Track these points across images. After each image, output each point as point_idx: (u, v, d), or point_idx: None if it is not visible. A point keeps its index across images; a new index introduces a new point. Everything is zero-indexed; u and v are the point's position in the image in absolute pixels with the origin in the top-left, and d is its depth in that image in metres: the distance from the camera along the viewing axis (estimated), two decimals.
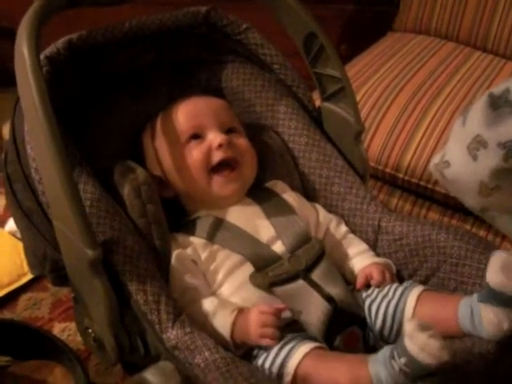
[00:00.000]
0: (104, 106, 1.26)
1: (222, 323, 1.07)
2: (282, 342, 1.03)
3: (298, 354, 1.00)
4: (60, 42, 1.15)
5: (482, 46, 2.18)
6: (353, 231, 1.29)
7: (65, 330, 1.48)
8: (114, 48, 1.23)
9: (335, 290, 1.14)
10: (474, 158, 0.89)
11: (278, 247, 1.18)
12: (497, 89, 0.83)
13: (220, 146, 1.20)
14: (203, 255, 1.15)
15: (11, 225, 1.70)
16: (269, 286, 1.13)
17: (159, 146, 1.24)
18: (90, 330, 1.10)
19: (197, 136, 1.22)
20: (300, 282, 1.14)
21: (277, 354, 1.02)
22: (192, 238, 1.17)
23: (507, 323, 0.96)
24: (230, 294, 1.13)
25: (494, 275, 0.97)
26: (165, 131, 1.24)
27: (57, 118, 0.97)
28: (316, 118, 1.37)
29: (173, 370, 0.99)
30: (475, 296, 1.02)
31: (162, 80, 1.34)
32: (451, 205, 1.82)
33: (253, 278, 1.14)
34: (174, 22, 1.27)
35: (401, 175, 1.81)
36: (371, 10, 2.48)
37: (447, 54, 2.13)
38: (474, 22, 2.16)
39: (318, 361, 1.00)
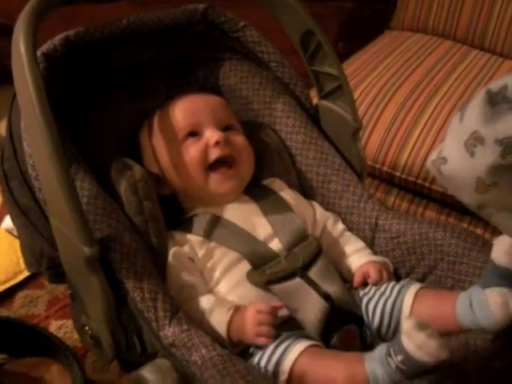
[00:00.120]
0: (101, 103, 1.26)
1: (219, 321, 1.07)
2: (277, 341, 1.03)
3: (293, 353, 1.00)
4: (57, 39, 1.15)
5: (479, 44, 2.18)
6: (350, 229, 1.29)
7: (61, 328, 1.48)
8: (111, 45, 1.22)
9: (332, 288, 1.14)
10: (471, 154, 0.88)
11: (275, 245, 1.18)
12: (495, 85, 0.83)
13: (217, 143, 1.20)
14: (200, 253, 1.15)
15: (8, 222, 1.70)
16: (266, 284, 1.13)
17: (156, 144, 1.24)
18: (87, 328, 1.10)
19: (194, 133, 1.22)
20: (297, 280, 1.14)
21: (272, 353, 1.02)
22: (189, 236, 1.17)
23: None
24: (226, 291, 1.13)
25: (501, 253, 0.98)
26: (162, 128, 1.23)
27: (54, 114, 0.96)
28: (313, 116, 1.37)
29: (170, 367, 0.99)
30: (475, 287, 1.02)
31: (159, 77, 1.34)
32: (448, 203, 1.82)
33: (250, 276, 1.14)
34: (171, 19, 1.27)
35: (398, 173, 1.81)
36: (369, 7, 2.48)
37: (444, 52, 2.13)
38: (471, 21, 2.16)
39: (313, 359, 1.00)
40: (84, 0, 1.13)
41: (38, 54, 1.10)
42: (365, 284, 1.19)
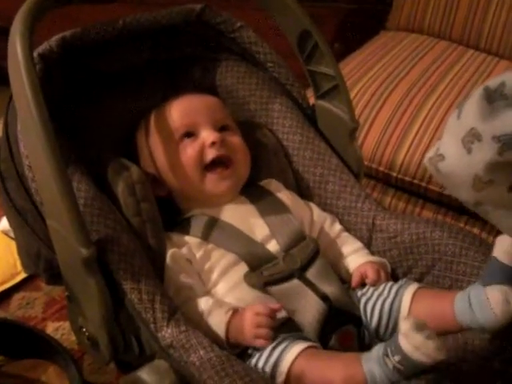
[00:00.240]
0: (98, 104, 1.26)
1: (218, 322, 1.07)
2: (275, 342, 1.03)
3: (290, 354, 1.00)
4: (53, 40, 1.15)
5: (475, 44, 2.18)
6: (347, 229, 1.29)
7: (58, 330, 1.47)
8: (107, 46, 1.22)
9: (330, 289, 1.14)
10: (469, 151, 0.88)
11: (273, 246, 1.18)
12: (492, 82, 0.83)
13: (213, 143, 1.20)
14: (198, 254, 1.15)
15: (4, 224, 1.69)
16: (263, 286, 1.13)
17: (153, 144, 1.24)
18: (84, 329, 1.10)
19: (190, 134, 1.22)
20: (295, 281, 1.14)
21: (270, 354, 1.02)
22: (187, 238, 1.17)
23: None
24: (224, 293, 1.13)
25: (502, 251, 0.98)
26: (158, 129, 1.23)
27: (50, 115, 0.96)
28: (310, 116, 1.36)
29: (167, 368, 0.99)
30: (475, 285, 1.01)
31: (156, 78, 1.34)
32: (445, 203, 1.82)
33: (247, 278, 1.13)
34: (168, 19, 1.27)
35: (394, 173, 1.81)
36: (365, 8, 2.48)
37: (440, 52, 2.13)
38: (467, 21, 2.17)
39: (311, 360, 1.00)
40: (80, 1, 1.12)
41: (35, 55, 1.10)
42: (363, 284, 1.19)
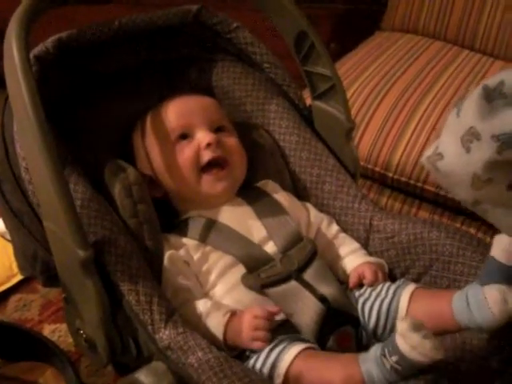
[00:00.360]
0: (94, 105, 1.25)
1: (215, 324, 1.06)
2: (272, 344, 1.03)
3: (288, 355, 1.00)
4: (49, 41, 1.14)
5: (470, 44, 2.19)
6: (344, 230, 1.29)
7: (55, 332, 1.47)
8: (104, 47, 1.22)
9: (328, 290, 1.13)
10: (468, 150, 0.88)
11: (270, 248, 1.18)
12: (491, 81, 0.83)
13: (209, 145, 1.20)
14: (196, 256, 1.15)
15: (0, 226, 1.68)
16: (261, 288, 1.12)
17: (149, 145, 1.23)
18: (82, 331, 1.09)
19: (186, 135, 1.22)
20: (292, 283, 1.13)
21: (267, 356, 1.02)
22: (184, 240, 1.17)
23: None
24: (222, 295, 1.13)
25: (500, 250, 0.97)
26: (155, 130, 1.23)
27: (46, 117, 0.96)
28: (307, 117, 1.36)
29: (165, 370, 0.98)
30: (473, 285, 1.01)
31: (152, 79, 1.34)
32: (441, 203, 1.83)
33: (244, 280, 1.13)
34: (164, 20, 1.26)
35: (390, 174, 1.81)
36: (360, 8, 2.49)
37: (435, 52, 2.14)
38: (462, 21, 2.17)
39: (309, 361, 1.00)
40: (76, 1, 1.11)
41: (30, 56, 1.09)
42: (360, 285, 1.19)
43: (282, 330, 1.08)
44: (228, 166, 1.22)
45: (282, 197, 1.27)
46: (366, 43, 2.24)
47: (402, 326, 0.90)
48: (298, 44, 1.25)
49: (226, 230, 1.18)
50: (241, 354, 1.06)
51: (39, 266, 1.17)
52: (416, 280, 1.19)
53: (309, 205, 1.31)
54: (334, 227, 1.28)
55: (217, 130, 1.24)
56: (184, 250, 1.15)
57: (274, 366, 1.00)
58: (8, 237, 1.56)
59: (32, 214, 1.11)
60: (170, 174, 1.21)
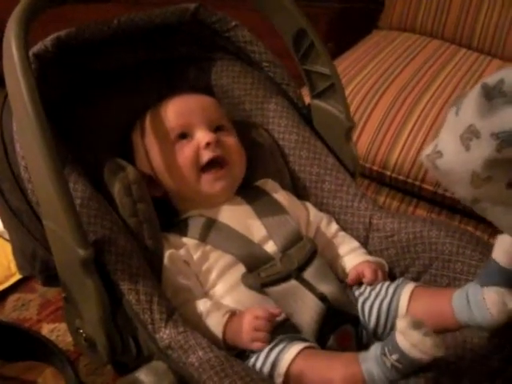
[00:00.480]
0: (93, 104, 1.25)
1: (215, 323, 1.06)
2: (272, 343, 1.03)
3: (288, 355, 1.00)
4: (48, 40, 1.14)
5: (468, 43, 2.19)
6: (344, 229, 1.29)
7: (53, 331, 1.47)
8: (102, 45, 1.22)
9: (328, 289, 1.13)
10: (467, 148, 0.88)
11: (270, 247, 1.17)
12: (491, 79, 0.83)
13: (208, 144, 1.20)
14: (195, 256, 1.14)
15: None
16: (261, 287, 1.12)
17: (149, 144, 1.23)
18: (81, 331, 1.09)
19: (185, 134, 1.21)
20: (292, 282, 1.13)
21: (267, 355, 1.01)
22: (184, 239, 1.17)
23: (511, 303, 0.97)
24: (222, 294, 1.13)
25: (501, 252, 0.97)
26: (154, 129, 1.23)
27: (46, 115, 0.96)
28: (306, 116, 1.36)
29: (166, 369, 0.98)
30: (474, 284, 1.01)
31: (151, 77, 1.33)
32: (438, 202, 1.83)
33: (244, 279, 1.13)
34: (162, 19, 1.26)
35: (388, 173, 1.81)
36: (357, 7, 2.49)
37: (433, 51, 2.14)
38: (459, 20, 2.18)
39: (309, 360, 1.00)
40: (75, 0, 1.11)
41: (30, 54, 1.09)
42: (360, 284, 1.19)
43: (281, 329, 1.08)
44: (227, 165, 1.22)
45: (282, 196, 1.27)
46: (364, 42, 2.24)
47: (401, 323, 0.90)
48: (296, 42, 1.25)
49: (225, 230, 1.18)
50: (241, 353, 1.05)
51: (38, 265, 1.17)
52: (416, 279, 1.19)
53: (308, 204, 1.31)
54: (334, 226, 1.28)
55: (216, 129, 1.24)
56: (184, 249, 1.15)
57: (274, 365, 1.00)
58: (6, 236, 1.55)
59: (31, 213, 1.11)
60: (170, 173, 1.21)
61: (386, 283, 1.16)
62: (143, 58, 1.31)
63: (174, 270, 1.12)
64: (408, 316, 0.94)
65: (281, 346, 1.02)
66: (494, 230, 1.69)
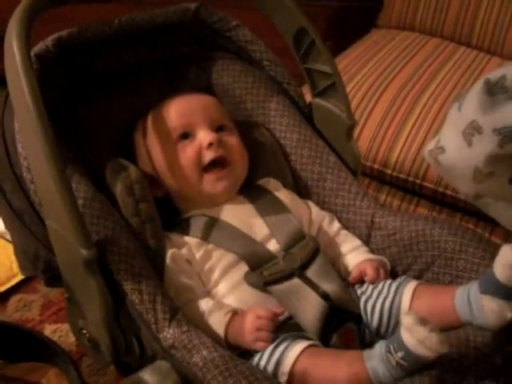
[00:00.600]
0: (95, 104, 1.25)
1: (217, 323, 1.06)
2: (276, 342, 1.03)
3: (293, 353, 1.00)
4: (49, 40, 1.14)
5: (467, 41, 2.19)
6: (346, 227, 1.29)
7: (56, 332, 1.46)
8: (104, 45, 1.21)
9: (331, 287, 1.13)
10: (469, 143, 0.89)
11: (273, 246, 1.17)
12: (493, 75, 0.84)
13: (210, 145, 1.20)
14: (198, 255, 1.14)
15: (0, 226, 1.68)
16: (264, 285, 1.12)
17: (150, 144, 1.23)
18: (85, 331, 1.09)
19: (187, 134, 1.21)
20: (295, 281, 1.13)
21: (271, 354, 1.01)
22: (187, 238, 1.16)
23: (510, 313, 0.96)
24: (225, 293, 1.13)
25: (503, 269, 0.96)
26: (156, 129, 1.23)
27: (48, 116, 0.96)
28: (307, 115, 1.36)
29: (170, 369, 0.98)
30: (475, 286, 1.01)
31: (152, 77, 1.34)
32: (439, 200, 1.83)
33: (247, 278, 1.13)
34: (163, 19, 1.26)
35: (389, 171, 1.81)
36: (356, 6, 2.48)
37: (432, 49, 2.14)
38: (459, 18, 2.17)
39: (313, 358, 1.00)
40: (76, 0, 1.11)
41: (31, 55, 1.09)
42: (362, 282, 1.18)
43: (285, 327, 1.08)
44: (229, 165, 1.22)
45: (284, 195, 1.27)
46: (363, 41, 2.24)
47: (407, 320, 0.90)
48: (297, 41, 1.25)
49: (228, 228, 1.18)
50: (244, 352, 1.05)
51: (41, 266, 1.16)
52: (418, 277, 1.19)
53: (310, 202, 1.31)
54: (336, 225, 1.28)
55: (218, 129, 1.24)
56: (186, 248, 1.15)
57: (278, 364, 0.99)
58: (8, 237, 1.56)
59: (33, 214, 1.11)
60: (172, 173, 1.21)
61: (388, 281, 1.16)
62: (144, 58, 1.31)
63: (176, 270, 1.12)
64: (413, 312, 0.94)
65: (284, 345, 1.02)
66: (495, 228, 1.70)
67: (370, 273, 1.17)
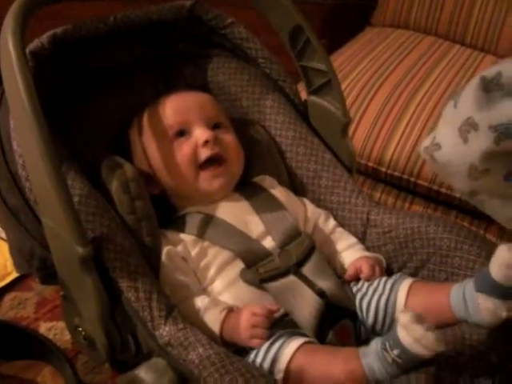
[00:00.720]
0: (90, 101, 1.25)
1: (212, 320, 1.06)
2: (271, 339, 1.03)
3: (288, 350, 1.00)
4: (44, 37, 1.14)
5: (461, 39, 2.20)
6: (341, 225, 1.29)
7: (51, 330, 1.46)
8: (99, 42, 1.21)
9: (326, 284, 1.13)
10: (465, 140, 0.89)
11: (268, 243, 1.17)
12: (489, 72, 0.84)
13: (206, 142, 1.20)
14: (193, 252, 1.14)
15: None
16: (259, 282, 1.12)
17: (146, 142, 1.23)
18: (80, 329, 1.08)
19: (183, 132, 1.21)
20: (291, 278, 1.13)
21: (267, 351, 1.01)
22: (182, 235, 1.16)
23: (505, 312, 0.97)
24: (220, 290, 1.13)
25: (499, 269, 0.96)
26: (151, 126, 1.23)
27: (43, 113, 0.95)
28: (303, 112, 1.36)
29: (166, 366, 0.98)
30: (470, 284, 1.01)
31: (147, 75, 1.33)
32: (434, 198, 1.83)
33: (243, 275, 1.13)
34: (158, 16, 1.26)
35: (383, 169, 1.82)
36: (350, 4, 2.49)
37: (427, 47, 2.15)
38: (453, 16, 2.18)
39: (309, 355, 1.00)
40: None
41: (26, 52, 1.09)
42: (357, 279, 1.18)
43: (280, 324, 1.08)
44: (225, 162, 1.22)
45: (279, 192, 1.27)
46: (357, 39, 2.24)
47: (404, 317, 0.90)
48: (293, 39, 1.25)
49: (223, 225, 1.18)
50: (240, 349, 1.05)
51: (36, 264, 1.16)
52: (413, 274, 1.19)
53: (306, 200, 1.31)
54: (331, 222, 1.28)
55: (214, 126, 1.24)
56: (182, 245, 1.15)
57: (274, 361, 0.99)
58: (2, 235, 1.55)
59: (28, 211, 1.10)
60: (168, 170, 1.21)
61: (384, 279, 1.16)
62: (139, 55, 1.30)
63: (171, 267, 1.12)
64: (409, 310, 0.94)
65: (280, 342, 1.02)
66: (490, 226, 1.70)
67: (365, 270, 1.17)
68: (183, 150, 1.20)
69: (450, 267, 1.15)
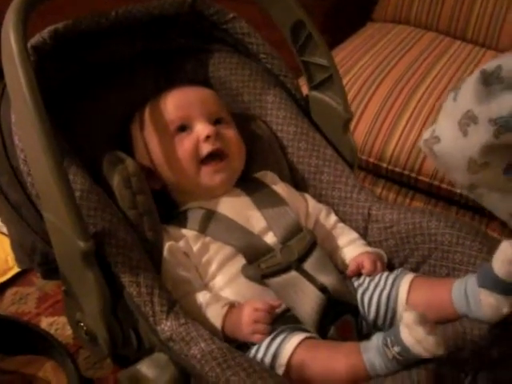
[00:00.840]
0: (91, 96, 1.24)
1: (214, 315, 1.06)
2: (273, 334, 1.03)
3: (290, 345, 1.00)
4: (46, 32, 1.13)
5: (462, 35, 2.20)
6: (343, 220, 1.29)
7: (52, 325, 1.46)
8: (100, 37, 1.21)
9: (328, 280, 1.13)
10: (465, 133, 0.89)
11: (270, 238, 1.17)
12: (489, 65, 0.84)
13: (208, 137, 1.20)
14: (195, 247, 1.14)
15: None
16: (261, 278, 1.12)
17: (148, 137, 1.23)
18: (82, 324, 1.08)
19: (185, 127, 1.21)
20: (293, 273, 1.13)
21: (268, 346, 1.01)
22: (184, 231, 1.16)
23: (507, 308, 0.97)
24: (222, 286, 1.13)
25: (501, 264, 0.96)
26: (153, 121, 1.23)
27: (45, 108, 0.95)
28: (304, 107, 1.36)
29: (167, 361, 0.98)
30: (472, 279, 1.01)
31: (149, 69, 1.33)
32: (435, 193, 1.83)
33: (245, 270, 1.13)
34: (160, 10, 1.26)
35: (384, 164, 1.82)
36: None
37: (428, 43, 2.15)
38: (454, 12, 2.18)
39: (311, 350, 1.00)
40: None
41: (28, 46, 1.09)
42: (359, 274, 1.19)
43: (282, 320, 1.08)
44: (227, 157, 1.22)
45: (281, 187, 1.27)
46: (358, 34, 2.24)
47: (408, 317, 0.90)
48: (294, 34, 1.25)
49: (225, 221, 1.18)
50: (241, 344, 1.05)
51: (38, 259, 1.16)
52: (415, 269, 1.20)
53: (307, 195, 1.31)
54: (333, 217, 1.28)
55: (216, 121, 1.24)
56: (183, 241, 1.15)
57: (275, 356, 1.00)
58: (3, 230, 1.55)
59: (30, 206, 1.10)
60: (169, 165, 1.21)
61: (385, 274, 1.16)
62: (141, 50, 1.30)
63: (173, 262, 1.12)
64: (413, 309, 0.94)
65: (282, 337, 1.02)
66: (491, 222, 1.70)
67: (367, 265, 1.17)
68: (185, 145, 1.20)
69: (451, 263, 1.15)
